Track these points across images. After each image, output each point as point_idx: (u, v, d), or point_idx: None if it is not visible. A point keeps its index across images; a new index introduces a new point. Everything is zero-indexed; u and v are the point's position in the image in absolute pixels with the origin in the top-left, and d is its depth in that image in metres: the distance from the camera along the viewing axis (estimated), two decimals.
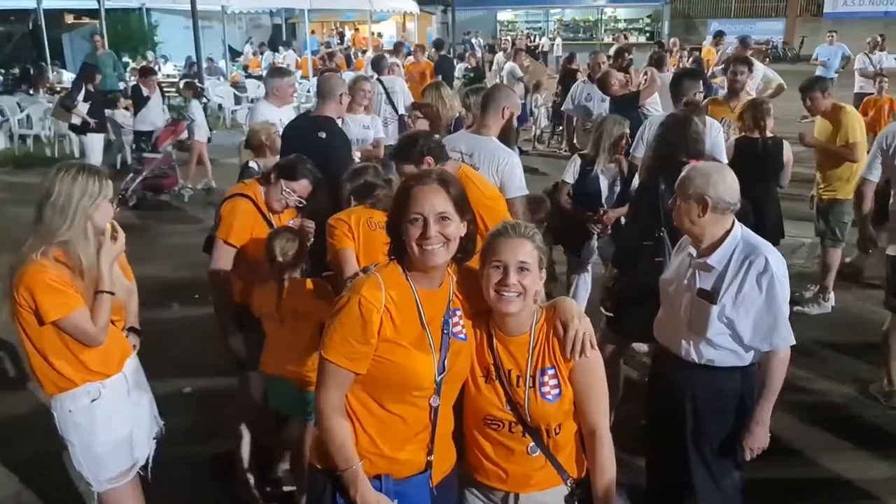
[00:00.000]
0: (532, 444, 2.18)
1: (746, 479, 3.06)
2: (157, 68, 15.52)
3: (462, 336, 2.19)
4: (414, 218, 2.04)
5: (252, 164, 5.05)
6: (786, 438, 3.95)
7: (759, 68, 8.08)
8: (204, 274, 3.66)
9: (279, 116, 5.56)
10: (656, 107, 7.12)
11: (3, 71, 17.84)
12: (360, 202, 3.40)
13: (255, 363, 3.43)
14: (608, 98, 7.13)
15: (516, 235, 2.14)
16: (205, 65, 18.23)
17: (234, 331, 3.52)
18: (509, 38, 28.01)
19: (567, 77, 12.17)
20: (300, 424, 3.42)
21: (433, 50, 15.56)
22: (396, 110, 8.32)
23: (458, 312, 2.20)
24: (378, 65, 9.12)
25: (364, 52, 19.23)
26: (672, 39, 18.64)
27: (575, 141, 7.72)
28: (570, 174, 5.01)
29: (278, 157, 5.02)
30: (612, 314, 3.92)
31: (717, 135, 4.93)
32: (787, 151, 5.28)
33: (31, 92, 14.77)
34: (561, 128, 12.55)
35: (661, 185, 3.67)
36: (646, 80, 7.17)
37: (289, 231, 3.37)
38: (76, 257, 2.59)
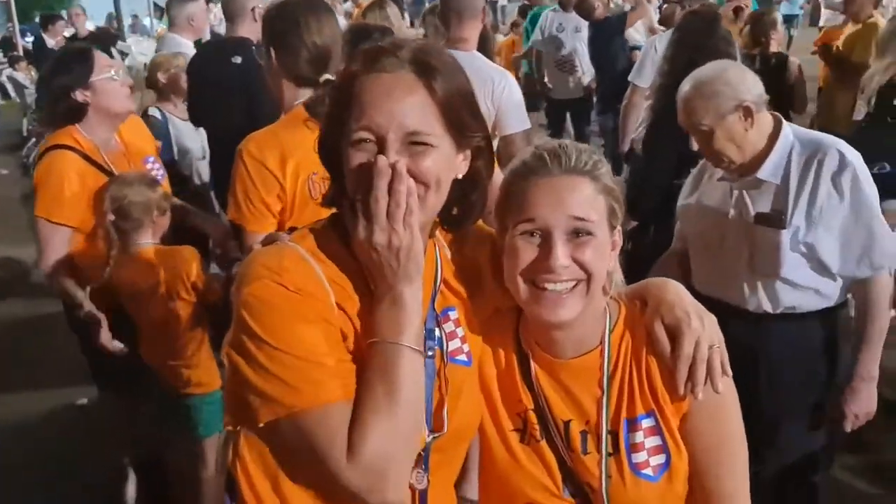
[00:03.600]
0: None
1: None
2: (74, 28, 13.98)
3: (463, 358, 1.18)
4: (359, 138, 1.02)
5: (154, 111, 4.04)
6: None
7: None
8: None
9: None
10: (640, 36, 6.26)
11: None
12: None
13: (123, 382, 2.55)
14: (584, 27, 6.25)
15: (563, 171, 1.12)
16: (129, 22, 16.98)
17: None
18: None
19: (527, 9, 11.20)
20: (182, 440, 2.65)
21: None
22: None
23: (453, 314, 1.19)
24: None
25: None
26: None
27: (546, 80, 6.73)
28: None
29: (185, 101, 4.02)
30: None
31: None
32: (795, 69, 4.58)
33: None
34: None
35: None
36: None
37: (129, 176, 2.41)
38: None
